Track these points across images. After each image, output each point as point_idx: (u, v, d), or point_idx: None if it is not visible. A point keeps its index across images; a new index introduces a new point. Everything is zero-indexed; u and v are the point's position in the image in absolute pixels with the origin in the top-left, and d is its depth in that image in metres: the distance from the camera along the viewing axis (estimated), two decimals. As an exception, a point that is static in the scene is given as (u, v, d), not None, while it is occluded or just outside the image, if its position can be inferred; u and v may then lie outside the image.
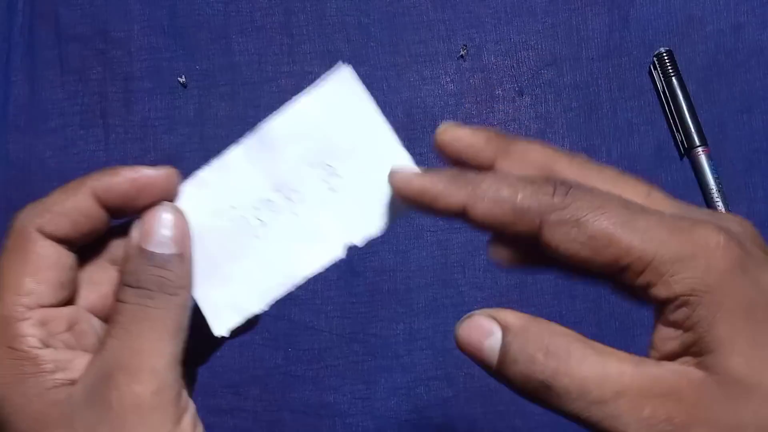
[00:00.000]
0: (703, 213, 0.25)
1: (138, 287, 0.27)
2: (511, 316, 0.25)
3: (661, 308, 0.23)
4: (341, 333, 0.54)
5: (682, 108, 0.53)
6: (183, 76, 0.57)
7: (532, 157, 0.26)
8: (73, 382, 0.27)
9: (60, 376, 0.26)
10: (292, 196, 0.28)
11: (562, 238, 0.23)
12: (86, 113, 0.58)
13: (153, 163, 0.62)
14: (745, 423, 0.22)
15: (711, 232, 0.22)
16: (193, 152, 0.57)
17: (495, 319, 0.25)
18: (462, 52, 0.51)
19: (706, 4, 0.55)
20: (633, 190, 0.25)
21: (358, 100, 0.28)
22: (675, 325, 0.23)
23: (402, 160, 0.29)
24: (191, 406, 0.29)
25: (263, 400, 0.54)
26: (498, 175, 0.25)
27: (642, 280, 0.23)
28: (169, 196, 0.29)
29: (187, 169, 0.62)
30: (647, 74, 0.55)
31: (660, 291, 0.23)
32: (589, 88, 0.56)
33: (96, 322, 0.30)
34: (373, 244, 0.54)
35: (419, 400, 0.53)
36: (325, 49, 0.58)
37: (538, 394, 0.24)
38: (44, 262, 0.27)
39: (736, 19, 0.55)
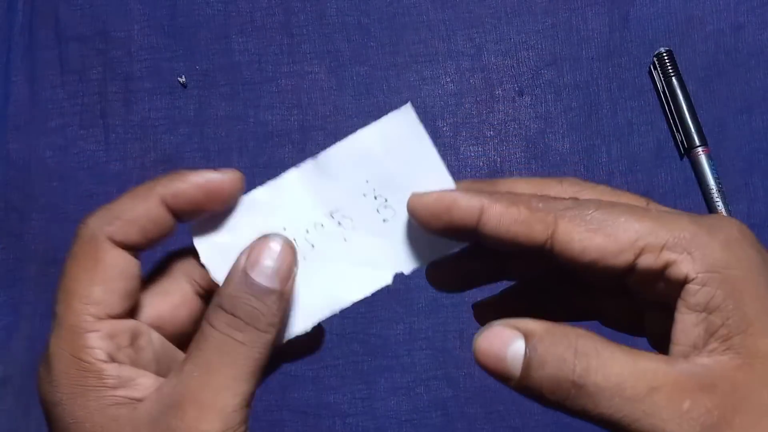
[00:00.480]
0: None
1: (231, 313, 0.26)
2: (531, 323, 0.24)
3: (680, 293, 0.23)
4: (341, 333, 0.54)
5: (682, 108, 0.53)
6: (183, 76, 0.58)
7: (520, 190, 0.26)
8: (134, 401, 0.26)
9: (122, 393, 0.26)
10: (344, 222, 0.29)
11: (576, 230, 0.23)
12: (86, 113, 0.58)
13: (153, 164, 0.62)
14: None
15: (724, 216, 0.23)
16: (193, 152, 0.57)
17: (516, 327, 0.24)
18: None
19: (706, 4, 0.55)
20: (634, 202, 0.25)
21: (417, 137, 0.29)
22: (698, 308, 0.22)
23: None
24: None
25: (263, 400, 0.54)
26: (513, 179, 0.26)
27: (660, 260, 0.23)
28: (234, 199, 0.29)
29: (187, 169, 0.61)
30: (647, 74, 0.55)
31: (680, 269, 0.22)
32: (589, 88, 0.56)
33: (155, 337, 0.29)
34: (373, 244, 0.55)
35: (419, 400, 0.53)
36: (325, 49, 0.58)
37: (568, 397, 0.23)
38: (113, 271, 0.27)
39: (736, 19, 0.55)
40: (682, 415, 0.21)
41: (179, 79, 0.57)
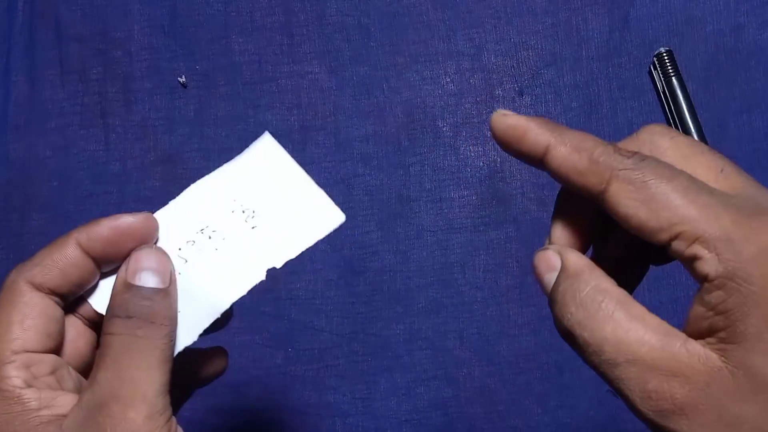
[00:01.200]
0: None
1: (127, 317, 0.29)
2: (573, 258, 0.26)
3: (701, 284, 0.23)
4: (341, 333, 0.54)
5: (682, 108, 0.53)
6: (183, 76, 0.58)
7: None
8: (59, 417, 0.28)
9: (46, 412, 0.28)
10: (214, 236, 0.33)
11: (625, 195, 0.24)
12: (86, 113, 0.58)
13: (153, 164, 0.62)
14: (745, 418, 0.22)
15: None
16: (193, 152, 0.57)
17: (560, 257, 0.26)
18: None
19: (706, 4, 0.55)
20: (706, 166, 0.25)
21: (276, 155, 0.34)
22: (708, 305, 0.23)
23: (318, 196, 0.34)
24: (180, 430, 0.30)
25: (263, 400, 0.54)
26: (587, 133, 0.26)
27: (690, 251, 0.23)
28: (149, 239, 0.32)
29: (187, 169, 0.62)
30: (647, 74, 0.55)
31: (703, 267, 0.23)
32: (589, 88, 0.56)
33: (73, 371, 0.31)
34: (373, 244, 0.55)
35: (419, 400, 0.53)
36: (325, 49, 0.58)
37: (565, 337, 0.25)
38: (31, 311, 0.29)
39: (736, 19, 0.55)
40: (644, 391, 0.23)
41: (179, 79, 0.57)
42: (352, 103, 0.57)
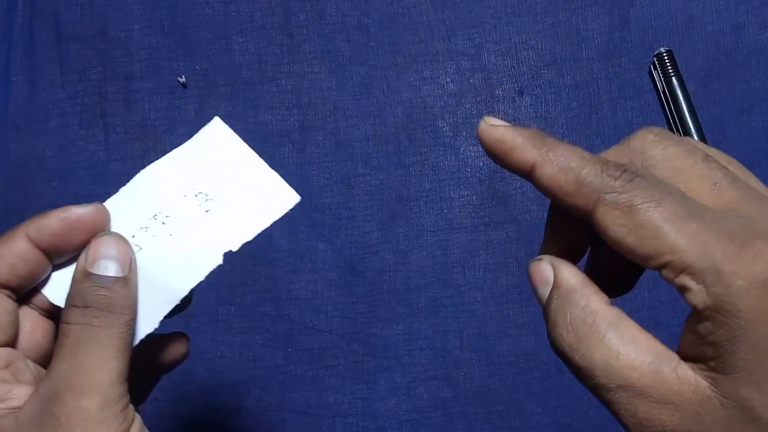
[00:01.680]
0: None
1: (84, 306, 0.28)
2: (565, 275, 0.25)
3: (691, 313, 0.23)
4: (341, 333, 0.54)
5: (682, 108, 0.53)
6: (183, 76, 0.57)
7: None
8: (14, 410, 0.28)
9: (1, 406, 0.28)
10: (167, 221, 0.32)
11: (612, 220, 0.23)
12: (86, 113, 0.58)
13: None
14: None
15: (763, 251, 0.21)
16: (193, 152, 0.57)
17: (554, 270, 0.26)
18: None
19: (706, 4, 0.55)
20: (699, 178, 0.24)
21: (227, 139, 0.34)
22: (697, 335, 0.23)
23: (271, 177, 0.34)
24: (138, 419, 0.30)
25: (263, 400, 0.54)
26: (575, 148, 0.25)
27: (678, 281, 0.23)
28: (100, 230, 0.31)
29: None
30: (647, 74, 0.55)
31: (690, 298, 0.22)
32: (589, 88, 0.56)
33: (31, 363, 0.31)
34: (373, 244, 0.55)
35: (419, 400, 0.53)
36: (325, 49, 0.58)
37: (559, 356, 0.25)
38: None
39: (736, 19, 0.55)
40: (635, 417, 0.23)
41: (179, 79, 0.57)
42: (352, 103, 0.57)
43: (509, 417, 0.53)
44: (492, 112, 0.56)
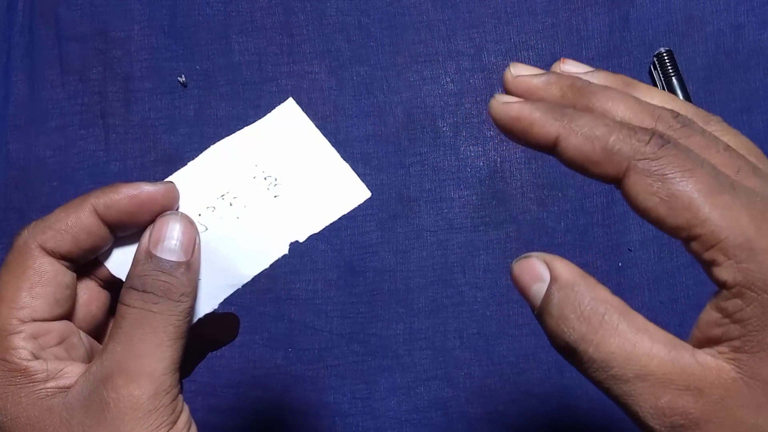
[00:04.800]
0: None
1: (143, 291, 0.28)
2: (563, 268, 0.24)
3: (717, 291, 0.22)
4: (341, 333, 0.54)
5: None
6: (183, 76, 0.57)
7: (613, 110, 0.25)
8: (65, 389, 0.27)
9: (52, 384, 0.27)
10: (234, 202, 0.31)
11: (643, 188, 0.23)
12: (86, 113, 0.58)
13: (153, 164, 0.62)
14: (762, 429, 0.21)
15: None
16: (193, 152, 0.56)
17: (548, 266, 0.25)
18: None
19: (706, 4, 0.55)
20: (722, 166, 0.24)
21: (301, 123, 0.32)
22: (724, 312, 0.22)
23: (343, 169, 0.33)
24: (186, 409, 0.29)
25: (263, 400, 0.54)
26: (598, 116, 0.24)
27: (708, 255, 0.22)
28: (168, 209, 0.30)
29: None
30: (647, 74, 0.55)
31: (721, 273, 0.22)
32: (589, 88, 0.56)
33: (85, 337, 0.31)
34: (373, 244, 0.55)
35: (419, 400, 0.53)
36: (325, 49, 0.58)
37: (565, 353, 0.24)
38: (41, 277, 0.28)
39: (736, 19, 0.55)
40: (657, 407, 0.22)
41: (179, 79, 0.57)
42: (352, 103, 0.57)
43: (509, 417, 0.53)
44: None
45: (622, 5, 0.56)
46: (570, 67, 0.28)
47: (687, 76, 0.54)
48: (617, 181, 0.23)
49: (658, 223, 0.23)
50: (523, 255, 0.25)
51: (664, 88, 0.54)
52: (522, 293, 0.25)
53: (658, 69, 0.54)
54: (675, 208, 0.22)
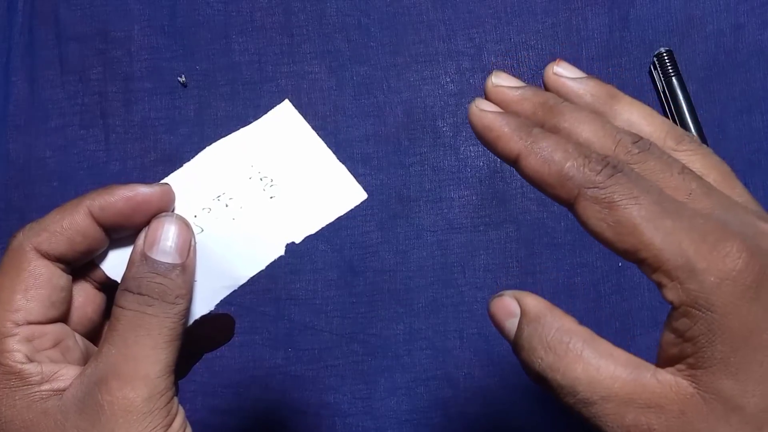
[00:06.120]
0: (744, 218, 0.24)
1: (138, 293, 0.28)
2: (531, 303, 0.26)
3: (669, 312, 0.24)
4: (341, 333, 0.54)
5: (682, 108, 0.53)
6: (183, 76, 0.57)
7: (578, 131, 0.27)
8: (60, 392, 0.27)
9: (47, 387, 0.27)
10: (230, 203, 0.31)
11: (592, 214, 0.24)
12: (86, 113, 0.58)
13: (153, 164, 0.62)
14: None
15: (734, 250, 0.22)
16: (193, 152, 0.56)
17: (519, 302, 0.26)
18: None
19: (706, 4, 0.55)
20: (674, 189, 0.25)
21: (296, 125, 0.33)
22: (677, 332, 0.23)
23: (339, 171, 0.33)
24: (181, 411, 0.29)
25: (263, 400, 0.54)
26: (560, 139, 0.26)
27: (655, 277, 0.23)
28: (164, 211, 0.30)
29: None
30: (647, 74, 0.55)
31: (667, 294, 0.23)
32: (589, 88, 0.56)
33: (80, 339, 0.31)
34: (373, 244, 0.55)
35: (419, 400, 0.53)
36: (325, 49, 0.58)
37: (538, 382, 0.25)
38: (36, 280, 0.28)
39: (736, 19, 0.55)
40: (623, 426, 0.23)
41: (179, 79, 0.57)
42: (352, 103, 0.57)
43: (509, 417, 0.53)
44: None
45: (622, 5, 0.56)
46: (563, 69, 0.29)
47: (687, 76, 0.54)
48: (570, 205, 0.25)
49: (609, 247, 0.24)
50: (497, 293, 0.27)
51: (664, 88, 0.54)
52: (498, 329, 0.27)
53: (658, 69, 0.54)
54: (621, 234, 0.24)
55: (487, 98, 0.29)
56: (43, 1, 0.59)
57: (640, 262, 0.24)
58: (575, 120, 0.27)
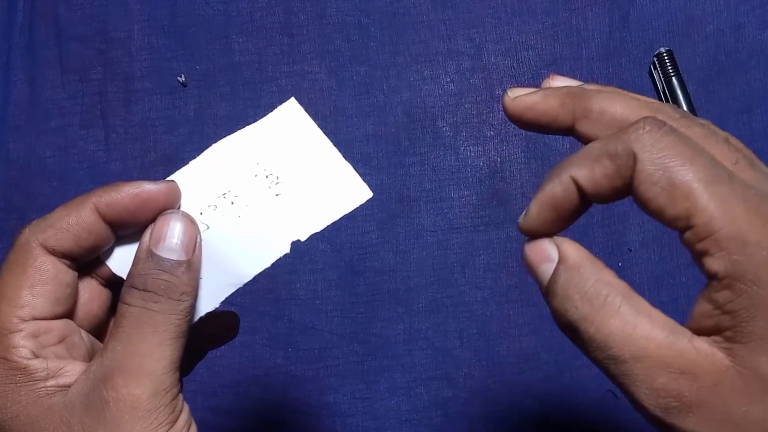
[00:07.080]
0: None
1: (144, 290, 0.28)
2: (571, 250, 0.25)
3: (708, 282, 0.23)
4: (341, 333, 0.54)
5: (682, 108, 0.53)
6: (183, 76, 0.58)
7: (612, 114, 0.26)
8: (65, 387, 0.27)
9: (52, 383, 0.27)
10: (236, 201, 0.31)
11: (645, 177, 0.23)
12: (86, 113, 0.58)
13: (153, 164, 0.62)
14: (754, 417, 0.22)
15: None
16: (193, 152, 0.56)
17: (558, 246, 0.25)
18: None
19: (706, 4, 0.55)
20: (720, 157, 0.24)
21: (302, 123, 0.33)
22: (715, 303, 0.22)
23: (343, 168, 0.33)
24: (186, 408, 0.29)
25: (263, 400, 0.54)
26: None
27: (701, 245, 0.22)
28: (170, 208, 0.30)
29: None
30: (647, 74, 0.55)
31: (712, 264, 0.22)
32: (589, 88, 0.56)
33: (86, 336, 0.31)
34: (373, 244, 0.55)
35: (419, 400, 0.53)
36: (325, 49, 0.58)
37: (567, 332, 0.25)
38: (42, 276, 0.28)
39: (736, 19, 0.55)
40: (652, 388, 0.22)
41: (179, 79, 0.57)
42: (352, 103, 0.57)
43: (509, 417, 0.53)
44: (492, 112, 0.56)
45: (622, 5, 0.56)
46: (559, 83, 0.29)
47: (687, 76, 0.54)
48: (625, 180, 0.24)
49: (657, 213, 0.23)
50: (533, 239, 0.26)
51: (664, 88, 0.54)
52: (531, 272, 0.26)
53: (658, 69, 0.54)
54: (674, 198, 0.22)
55: (509, 114, 0.28)
56: (43, 1, 0.59)
57: (687, 228, 0.22)
58: (604, 99, 0.26)
